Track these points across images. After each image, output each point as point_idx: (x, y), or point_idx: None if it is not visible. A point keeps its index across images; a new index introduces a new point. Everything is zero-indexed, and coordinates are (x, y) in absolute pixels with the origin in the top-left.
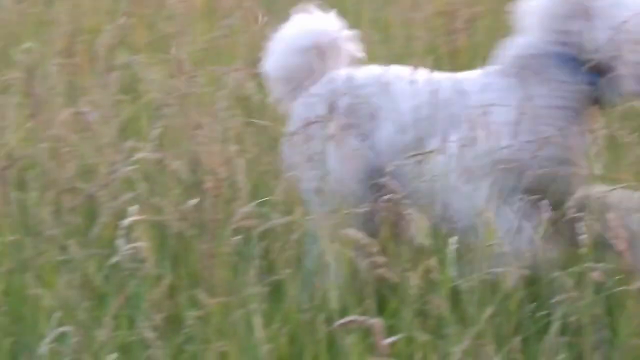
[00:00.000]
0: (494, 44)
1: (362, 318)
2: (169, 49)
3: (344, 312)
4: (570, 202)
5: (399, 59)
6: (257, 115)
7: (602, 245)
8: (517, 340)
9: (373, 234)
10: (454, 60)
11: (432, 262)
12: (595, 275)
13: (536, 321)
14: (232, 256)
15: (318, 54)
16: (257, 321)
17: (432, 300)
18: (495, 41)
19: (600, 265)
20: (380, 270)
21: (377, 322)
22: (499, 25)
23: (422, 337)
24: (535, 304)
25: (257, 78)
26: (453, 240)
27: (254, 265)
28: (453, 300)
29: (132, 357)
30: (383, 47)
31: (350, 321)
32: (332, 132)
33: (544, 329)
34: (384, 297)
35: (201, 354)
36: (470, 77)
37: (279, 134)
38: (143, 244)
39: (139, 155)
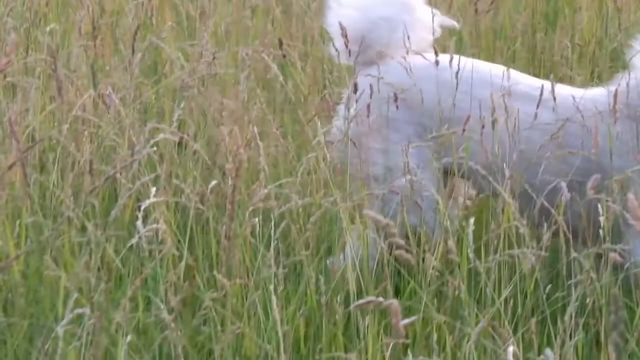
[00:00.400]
0: (516, 27)
1: (379, 299)
2: (193, 31)
3: (361, 294)
4: (590, 184)
5: None
6: (280, 97)
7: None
8: (533, 322)
9: None
10: (477, 42)
11: (450, 243)
12: (614, 256)
13: (553, 302)
14: (251, 238)
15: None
16: (274, 303)
17: (450, 281)
18: (518, 24)
19: (619, 246)
20: (399, 252)
21: (394, 303)
22: (522, 7)
23: (439, 318)
24: (552, 285)
25: (280, 59)
26: (471, 222)
27: (272, 247)
28: (471, 281)
29: (148, 339)
30: None
31: (368, 302)
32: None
33: (562, 310)
34: (402, 279)
35: (218, 336)
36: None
37: (302, 115)
38: (162, 226)
39: (159, 137)
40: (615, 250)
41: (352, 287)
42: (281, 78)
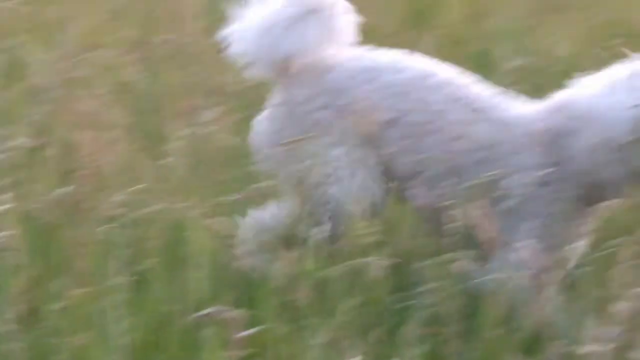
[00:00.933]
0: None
1: (220, 310)
2: (56, 34)
3: (211, 303)
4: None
5: None
6: (142, 100)
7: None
8: (379, 331)
9: None
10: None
11: (297, 252)
12: (458, 266)
13: (400, 311)
14: (101, 245)
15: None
16: (119, 312)
17: (296, 290)
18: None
19: (463, 255)
20: (244, 261)
21: (234, 314)
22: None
23: (283, 328)
24: (400, 294)
25: (143, 62)
26: (317, 230)
27: (120, 255)
28: (319, 291)
29: None
30: None
31: (209, 313)
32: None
33: (410, 320)
34: (253, 288)
35: (60, 347)
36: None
37: (162, 119)
38: (9, 233)
39: (11, 143)
40: (459, 260)
41: (200, 296)
42: (143, 80)
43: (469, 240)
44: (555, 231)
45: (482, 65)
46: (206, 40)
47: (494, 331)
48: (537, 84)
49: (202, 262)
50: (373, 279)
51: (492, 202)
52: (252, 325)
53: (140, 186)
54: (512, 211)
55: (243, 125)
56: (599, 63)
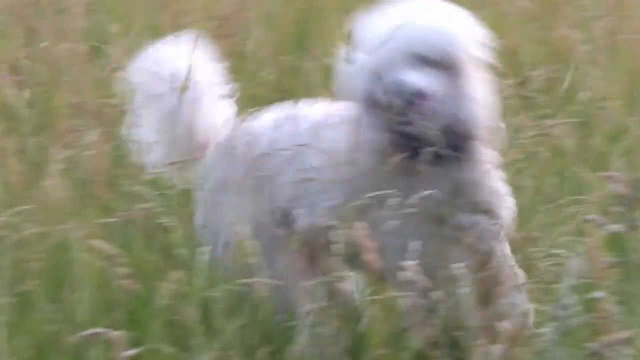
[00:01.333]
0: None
1: (104, 330)
2: None
3: (96, 324)
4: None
5: None
6: (23, 123)
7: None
8: (265, 351)
9: None
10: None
11: (181, 273)
12: (343, 286)
13: (286, 331)
14: None
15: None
16: (1, 333)
17: (181, 311)
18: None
19: (349, 274)
20: (126, 282)
21: (118, 334)
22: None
23: (168, 349)
24: (285, 314)
25: (24, 84)
26: (202, 251)
27: (2, 276)
28: (204, 311)
29: None
30: None
31: (94, 334)
32: None
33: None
34: (138, 308)
35: None
36: None
37: (44, 142)
38: None
39: None
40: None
41: (84, 317)
42: (24, 103)
43: (354, 261)
44: (433, 250)
45: None
46: (87, 61)
47: (380, 350)
48: None
49: (86, 283)
50: (258, 299)
51: (373, 223)
52: (138, 345)
53: (23, 208)
54: (392, 232)
55: (124, 147)
56: None
